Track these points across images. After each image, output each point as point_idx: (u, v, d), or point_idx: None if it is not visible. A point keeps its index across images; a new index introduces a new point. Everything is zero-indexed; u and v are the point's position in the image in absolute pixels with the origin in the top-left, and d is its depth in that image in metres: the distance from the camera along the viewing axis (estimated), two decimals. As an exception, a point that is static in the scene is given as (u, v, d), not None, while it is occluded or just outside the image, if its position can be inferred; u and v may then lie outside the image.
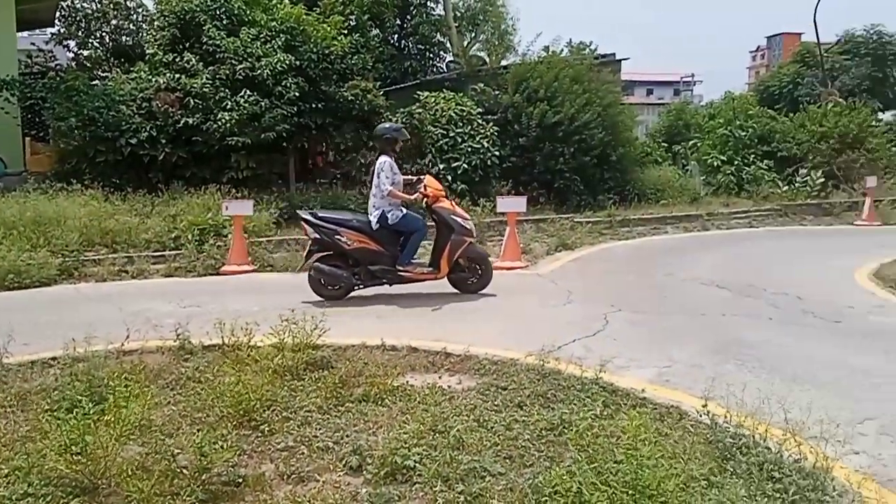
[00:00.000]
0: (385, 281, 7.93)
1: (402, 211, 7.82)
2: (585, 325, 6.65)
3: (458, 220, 7.84)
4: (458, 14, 24.19)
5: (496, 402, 4.48)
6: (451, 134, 14.41)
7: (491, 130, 14.80)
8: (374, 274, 7.84)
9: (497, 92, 15.68)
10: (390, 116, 13.93)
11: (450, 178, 14.06)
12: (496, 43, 22.60)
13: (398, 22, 22.31)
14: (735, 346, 5.96)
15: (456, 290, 8.09)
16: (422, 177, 8.27)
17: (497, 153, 14.68)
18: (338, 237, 7.68)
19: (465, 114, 14.79)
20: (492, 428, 4.05)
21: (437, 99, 14.98)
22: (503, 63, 19.59)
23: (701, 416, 4.12)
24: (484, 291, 8.06)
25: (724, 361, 5.54)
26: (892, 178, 18.83)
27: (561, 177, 15.06)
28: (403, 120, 13.88)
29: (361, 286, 7.94)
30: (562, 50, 18.07)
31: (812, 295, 7.85)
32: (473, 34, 24.91)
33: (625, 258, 10.95)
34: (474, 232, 8.02)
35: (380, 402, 4.52)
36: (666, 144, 24.47)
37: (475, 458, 3.61)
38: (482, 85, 15.98)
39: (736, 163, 18.42)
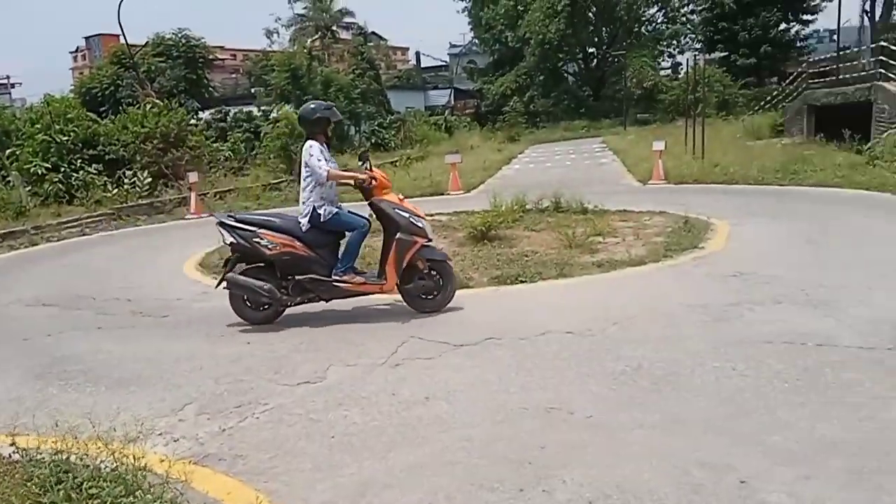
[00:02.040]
0: (319, 295, 6.38)
1: (337, 207, 6.40)
2: None
3: (406, 214, 6.25)
4: None
5: None
6: None
7: None
8: (304, 286, 6.30)
9: None
10: None
11: None
12: None
13: None
14: (60, 364, 5.65)
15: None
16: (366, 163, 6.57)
17: None
18: (257, 240, 6.24)
19: None
20: None
21: None
22: None
23: (12, 455, 3.77)
24: None
25: (48, 385, 5.19)
26: (215, 171, 20.90)
27: None
28: None
29: (290, 303, 6.39)
30: None
31: (143, 295, 8.04)
32: None
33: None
34: (429, 232, 6.36)
35: None
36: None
37: None
38: None
39: (63, 169, 17.58)
